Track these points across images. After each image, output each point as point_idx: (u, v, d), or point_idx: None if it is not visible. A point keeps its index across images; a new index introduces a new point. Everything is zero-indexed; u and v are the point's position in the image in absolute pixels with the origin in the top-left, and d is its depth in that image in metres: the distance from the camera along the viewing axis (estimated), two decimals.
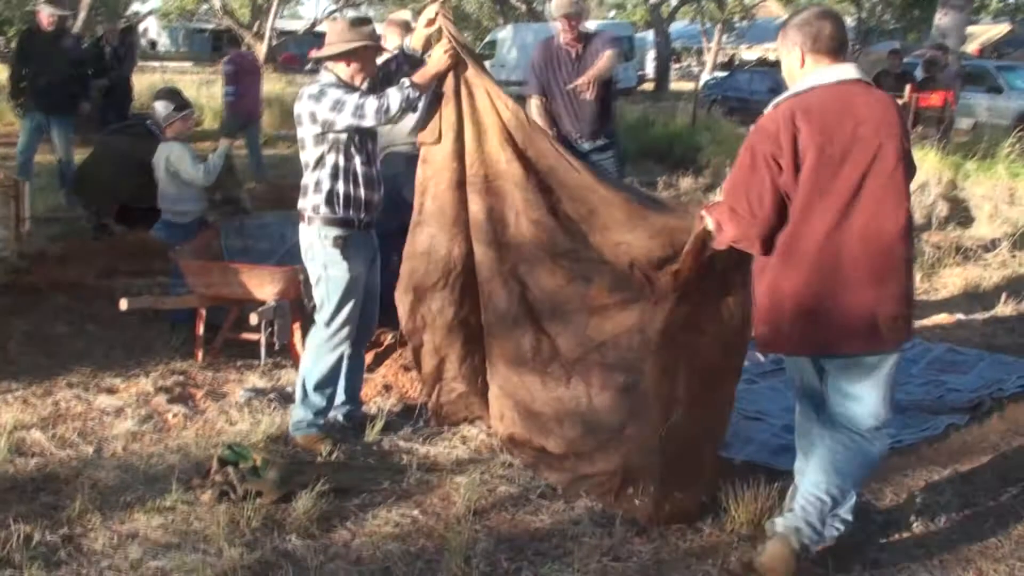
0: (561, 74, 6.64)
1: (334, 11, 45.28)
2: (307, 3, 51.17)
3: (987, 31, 41.50)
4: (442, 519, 3.88)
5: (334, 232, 4.39)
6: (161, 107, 6.05)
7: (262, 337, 5.32)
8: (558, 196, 4.20)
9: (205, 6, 43.47)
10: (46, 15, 9.47)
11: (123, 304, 5.34)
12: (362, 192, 4.42)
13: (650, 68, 39.34)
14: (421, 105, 4.33)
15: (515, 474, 4.25)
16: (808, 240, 3.29)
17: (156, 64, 31.65)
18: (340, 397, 4.75)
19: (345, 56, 4.36)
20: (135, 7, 42.69)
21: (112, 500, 3.94)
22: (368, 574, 3.49)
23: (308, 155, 4.40)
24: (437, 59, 4.30)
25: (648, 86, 35.18)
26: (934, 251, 8.42)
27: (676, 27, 44.73)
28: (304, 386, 4.56)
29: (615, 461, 3.98)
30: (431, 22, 4.42)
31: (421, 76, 4.29)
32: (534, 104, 6.71)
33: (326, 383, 4.58)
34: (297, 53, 47.60)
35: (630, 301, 4.00)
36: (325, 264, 4.42)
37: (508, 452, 4.42)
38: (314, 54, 4.54)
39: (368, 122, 4.25)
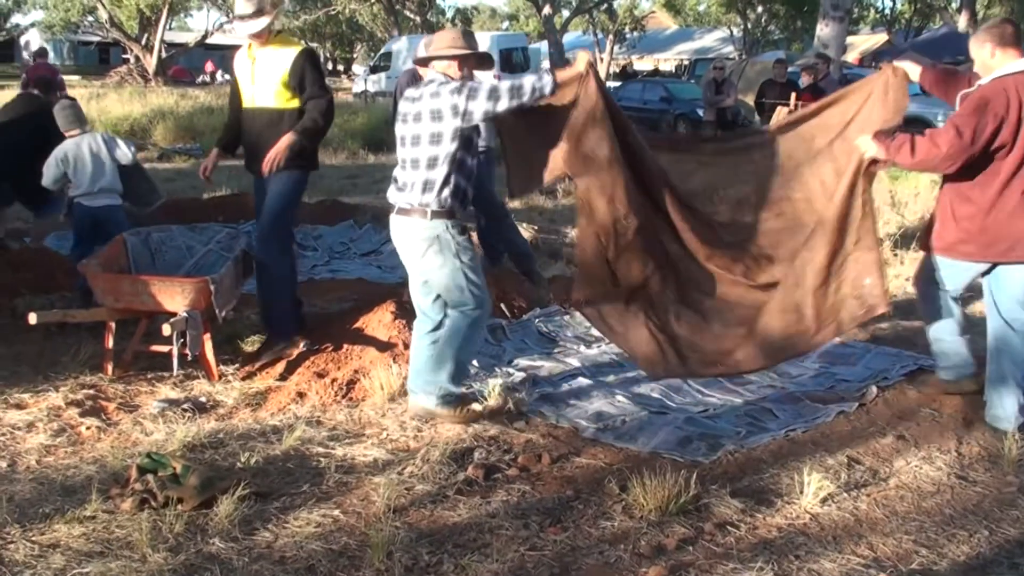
0: None
1: (224, 23, 44.75)
2: (196, 15, 50.31)
3: (866, 41, 43.22)
4: (362, 517, 3.98)
5: (460, 224, 4.73)
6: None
7: (174, 348, 5.32)
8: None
9: (90, 18, 42.57)
10: None
11: (32, 318, 5.28)
12: (471, 187, 4.79)
13: None
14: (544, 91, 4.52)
15: (431, 472, 4.35)
16: (1020, 180, 4.58)
17: None
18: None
19: (460, 59, 4.68)
20: (15, 19, 41.54)
21: (30, 512, 3.94)
22: (293, 572, 3.57)
23: (440, 150, 4.57)
24: (580, 62, 4.66)
25: None
26: None
27: (569, 38, 45.41)
28: (462, 368, 4.96)
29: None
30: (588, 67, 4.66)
31: (561, 72, 4.62)
32: None
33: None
34: (187, 66, 46.78)
35: None
36: (458, 253, 4.70)
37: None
38: (426, 53, 4.83)
39: (502, 104, 4.47)
